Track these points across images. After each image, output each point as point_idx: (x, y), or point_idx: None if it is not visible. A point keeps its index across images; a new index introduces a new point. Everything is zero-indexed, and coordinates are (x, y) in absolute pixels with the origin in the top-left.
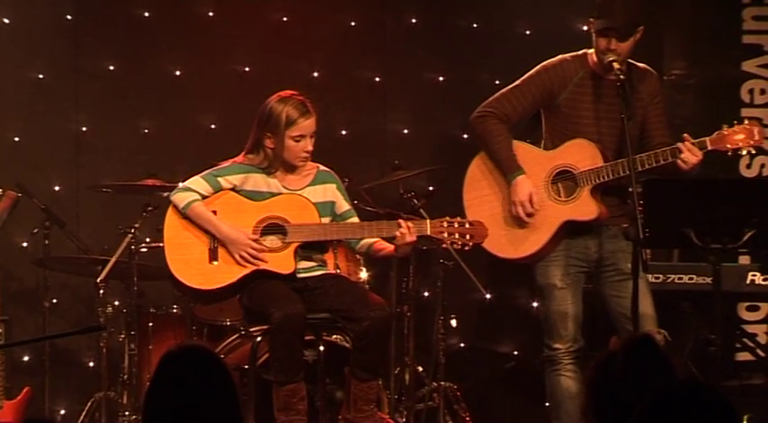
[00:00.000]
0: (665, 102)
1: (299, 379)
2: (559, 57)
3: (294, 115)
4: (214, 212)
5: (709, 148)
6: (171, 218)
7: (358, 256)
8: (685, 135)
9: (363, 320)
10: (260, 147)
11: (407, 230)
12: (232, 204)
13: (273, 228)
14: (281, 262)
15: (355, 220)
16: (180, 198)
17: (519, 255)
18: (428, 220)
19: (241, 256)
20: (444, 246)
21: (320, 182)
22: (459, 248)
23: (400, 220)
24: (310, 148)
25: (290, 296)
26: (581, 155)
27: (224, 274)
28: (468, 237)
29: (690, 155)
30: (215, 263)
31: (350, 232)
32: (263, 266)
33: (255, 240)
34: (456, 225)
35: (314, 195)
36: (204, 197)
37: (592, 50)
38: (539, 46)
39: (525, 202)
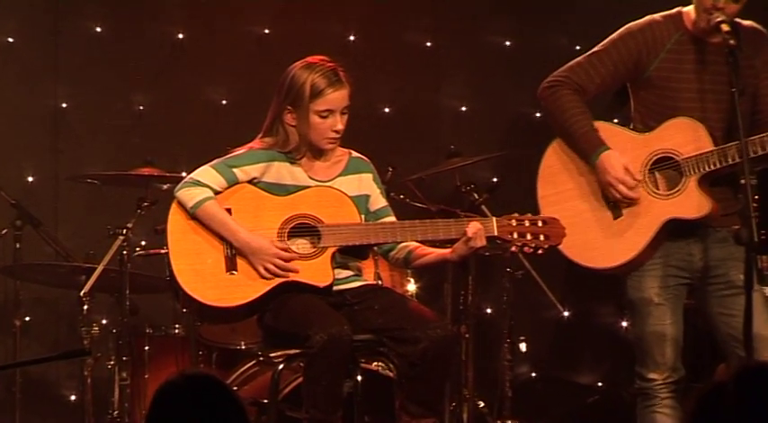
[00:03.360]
0: None
1: (337, 418)
2: (648, 18)
3: (321, 85)
4: (228, 211)
5: None
6: (175, 217)
7: None
8: None
9: (419, 342)
10: (279, 124)
11: (479, 231)
12: (250, 201)
13: (303, 229)
14: (316, 272)
15: (392, 219)
16: (188, 195)
17: (611, 263)
18: (494, 219)
19: (266, 269)
20: (514, 249)
21: (354, 171)
22: (532, 252)
23: (470, 220)
24: (340, 126)
25: (332, 314)
26: (684, 137)
27: (245, 287)
28: (542, 237)
29: None
30: (233, 273)
31: (399, 234)
32: (293, 278)
33: (284, 248)
34: (527, 223)
35: (347, 187)
36: (217, 193)
37: (688, 8)
38: (628, 2)
39: (623, 176)
